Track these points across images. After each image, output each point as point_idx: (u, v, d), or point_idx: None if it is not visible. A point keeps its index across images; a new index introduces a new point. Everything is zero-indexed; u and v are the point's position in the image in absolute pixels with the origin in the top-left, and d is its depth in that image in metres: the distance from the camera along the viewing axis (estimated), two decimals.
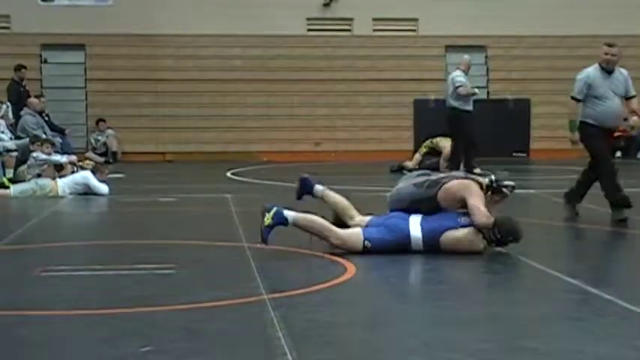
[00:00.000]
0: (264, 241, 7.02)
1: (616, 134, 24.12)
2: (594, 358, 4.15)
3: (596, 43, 24.13)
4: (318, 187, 7.66)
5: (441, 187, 7.23)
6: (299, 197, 7.79)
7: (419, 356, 4.20)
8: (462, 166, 15.09)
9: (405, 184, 7.53)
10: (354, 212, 7.46)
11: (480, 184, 7.24)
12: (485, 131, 19.06)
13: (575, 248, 8.01)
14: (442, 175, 7.65)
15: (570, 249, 8.00)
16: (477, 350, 4.29)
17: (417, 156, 17.27)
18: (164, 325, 4.78)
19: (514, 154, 22.09)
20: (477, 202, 7.03)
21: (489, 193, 7.23)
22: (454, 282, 6.44)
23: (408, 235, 7.04)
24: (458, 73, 15.86)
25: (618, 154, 22.76)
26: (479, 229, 6.95)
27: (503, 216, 7.05)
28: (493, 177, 7.33)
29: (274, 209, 7.06)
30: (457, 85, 15.47)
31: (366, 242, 7.05)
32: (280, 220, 7.04)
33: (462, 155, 15.58)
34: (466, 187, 7.17)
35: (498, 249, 7.05)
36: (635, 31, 23.55)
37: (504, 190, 7.28)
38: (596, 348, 4.31)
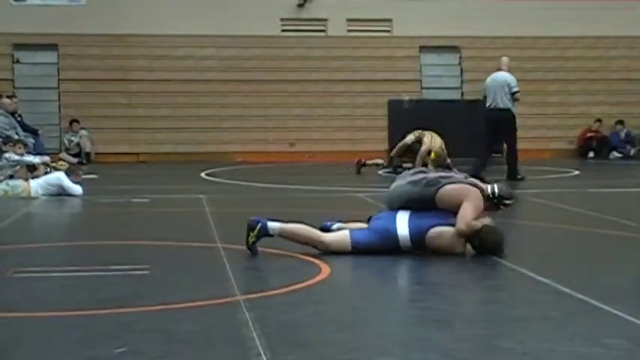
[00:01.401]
0: (254, 254, 6.99)
1: (588, 135, 24.49)
2: (567, 357, 4.18)
3: (564, 45, 24.57)
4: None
5: (442, 187, 7.11)
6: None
7: (394, 357, 4.21)
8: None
9: (401, 182, 7.42)
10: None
11: (482, 191, 7.19)
12: (460, 132, 19.14)
13: (550, 249, 8.04)
14: (442, 174, 7.45)
15: (544, 249, 8.04)
16: (453, 350, 4.30)
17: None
18: (138, 327, 4.76)
19: None
20: (468, 208, 6.95)
21: (486, 202, 7.17)
22: (430, 282, 6.45)
23: (395, 234, 7.00)
24: (509, 76, 15.36)
25: (591, 154, 22.98)
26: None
27: (490, 227, 7.00)
28: (496, 190, 7.23)
29: (259, 226, 6.99)
30: (515, 90, 15.23)
31: (353, 246, 7.02)
32: (264, 233, 7.00)
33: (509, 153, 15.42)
34: (468, 193, 7.04)
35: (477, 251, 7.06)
36: (612, 32, 23.78)
37: (501, 207, 7.22)
38: (569, 347, 4.34)
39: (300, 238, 7.09)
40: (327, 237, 7.10)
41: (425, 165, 15.68)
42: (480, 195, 7.12)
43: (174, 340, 4.47)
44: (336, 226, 7.58)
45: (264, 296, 5.53)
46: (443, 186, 7.13)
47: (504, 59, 15.81)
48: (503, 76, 15.38)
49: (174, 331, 4.65)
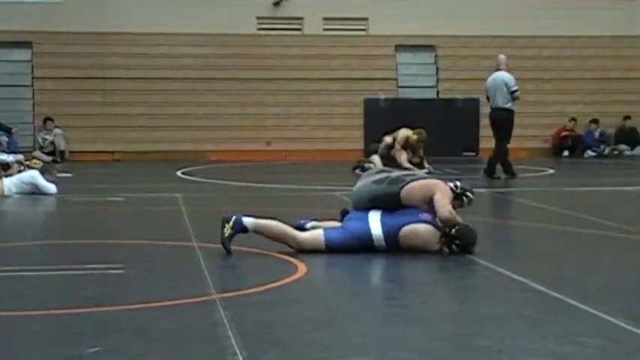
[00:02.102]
0: (228, 251, 6.94)
1: (563, 134, 24.60)
2: (541, 355, 4.20)
3: (540, 44, 24.64)
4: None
5: (406, 184, 7.21)
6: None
7: (370, 355, 4.21)
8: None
9: (364, 182, 7.49)
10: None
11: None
12: (435, 130, 19.16)
13: (524, 247, 8.09)
14: (405, 173, 7.72)
15: (520, 248, 8.08)
16: (428, 349, 4.31)
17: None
18: (114, 325, 4.74)
19: (463, 153, 22.25)
20: (444, 199, 7.09)
21: (452, 196, 7.28)
22: (405, 280, 6.47)
23: (369, 234, 7.02)
24: (507, 75, 15.44)
25: (566, 153, 23.09)
26: (438, 227, 6.99)
27: (466, 225, 7.08)
28: (458, 183, 7.38)
29: (233, 219, 6.97)
30: (514, 89, 15.32)
31: (327, 245, 7.02)
32: (240, 229, 6.99)
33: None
34: (435, 185, 7.22)
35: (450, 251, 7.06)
36: (587, 31, 23.92)
37: (464, 198, 7.35)
38: (542, 345, 4.36)
39: (274, 234, 7.09)
40: (301, 235, 7.11)
41: (405, 148, 15.94)
42: (448, 187, 7.24)
43: (150, 339, 4.46)
44: (310, 224, 7.57)
45: (240, 295, 5.52)
46: (407, 183, 7.24)
47: (502, 57, 15.93)
48: (502, 75, 15.54)
49: (150, 330, 4.64)
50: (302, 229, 7.41)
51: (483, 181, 14.36)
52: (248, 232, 7.03)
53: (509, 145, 15.61)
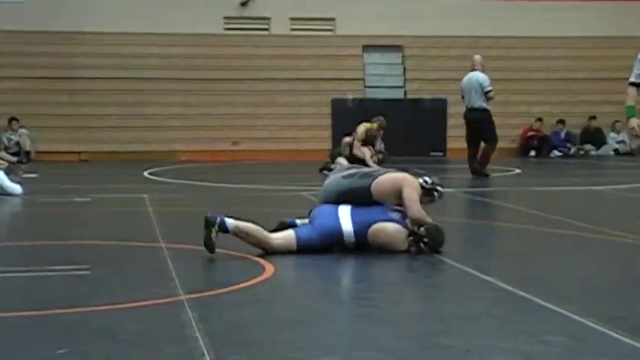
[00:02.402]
0: (212, 252, 6.85)
1: (530, 134, 24.75)
2: (509, 354, 4.21)
3: (507, 44, 24.80)
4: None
5: (376, 178, 7.22)
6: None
7: (337, 355, 4.21)
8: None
9: (334, 177, 7.49)
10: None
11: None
12: (402, 131, 19.23)
13: (492, 247, 8.12)
14: (375, 168, 7.77)
15: (487, 247, 8.11)
16: (396, 348, 4.31)
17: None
18: (80, 327, 4.70)
19: (431, 153, 22.34)
20: (413, 195, 7.10)
21: (421, 191, 7.29)
22: (374, 280, 6.47)
23: (340, 230, 7.01)
24: (482, 75, 15.62)
25: (532, 153, 23.25)
26: (406, 226, 7.00)
27: (434, 224, 7.10)
28: (427, 178, 7.38)
29: (218, 220, 6.91)
30: (488, 89, 15.46)
31: (298, 245, 6.99)
32: (223, 229, 6.94)
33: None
34: (404, 179, 7.23)
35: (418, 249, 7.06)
36: (555, 32, 24.10)
37: (435, 193, 7.35)
38: (512, 344, 4.37)
39: (251, 238, 7.03)
40: (274, 239, 7.05)
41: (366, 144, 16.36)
42: (417, 182, 7.25)
43: (117, 341, 4.42)
44: (299, 222, 7.49)
45: (208, 296, 5.50)
46: (378, 177, 7.24)
47: (477, 58, 16.08)
48: (477, 76, 15.70)
49: (116, 331, 4.60)
50: (292, 226, 7.32)
51: (450, 181, 14.41)
52: (228, 233, 6.98)
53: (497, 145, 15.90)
